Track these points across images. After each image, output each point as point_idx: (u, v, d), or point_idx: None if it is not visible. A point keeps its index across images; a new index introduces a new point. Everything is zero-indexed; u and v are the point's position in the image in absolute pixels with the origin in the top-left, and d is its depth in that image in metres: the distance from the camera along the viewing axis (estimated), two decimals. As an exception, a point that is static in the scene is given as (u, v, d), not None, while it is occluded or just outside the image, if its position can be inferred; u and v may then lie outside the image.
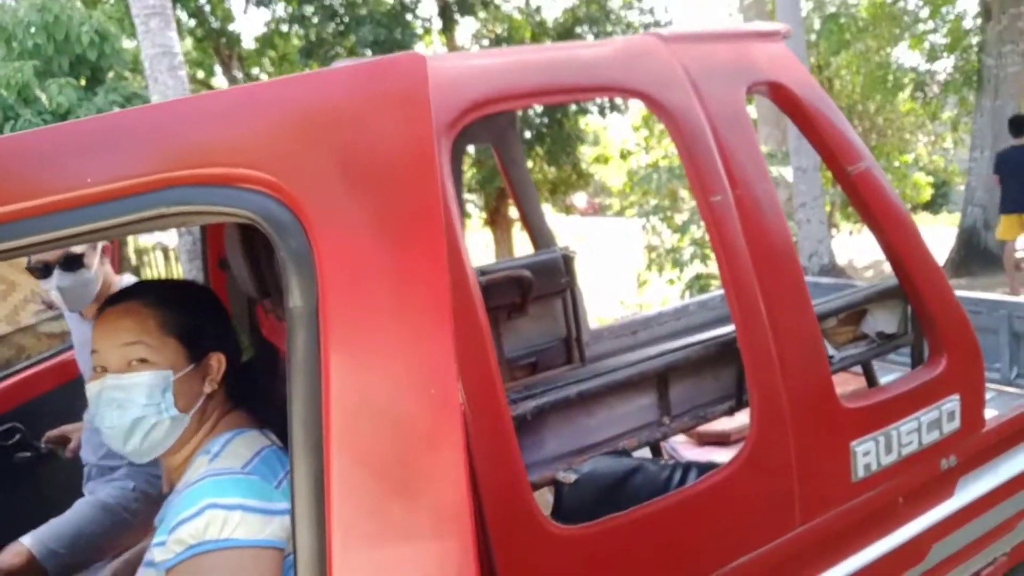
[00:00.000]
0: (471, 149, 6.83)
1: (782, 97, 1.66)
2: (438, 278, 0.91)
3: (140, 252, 9.22)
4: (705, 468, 1.55)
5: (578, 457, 1.50)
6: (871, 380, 2.01)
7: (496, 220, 12.64)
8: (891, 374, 2.28)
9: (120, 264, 2.50)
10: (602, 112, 11.78)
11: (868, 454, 1.62)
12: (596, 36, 11.32)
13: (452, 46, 11.94)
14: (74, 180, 0.86)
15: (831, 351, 1.74)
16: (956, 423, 1.76)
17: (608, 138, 18.26)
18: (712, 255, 4.31)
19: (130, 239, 8.35)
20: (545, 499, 1.57)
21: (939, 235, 10.28)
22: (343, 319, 0.88)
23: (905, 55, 15.53)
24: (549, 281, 2.17)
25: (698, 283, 7.86)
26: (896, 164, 13.00)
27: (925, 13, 12.24)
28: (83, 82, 7.79)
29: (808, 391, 1.54)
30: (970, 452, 1.82)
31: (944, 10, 11.76)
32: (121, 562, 1.75)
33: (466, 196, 10.42)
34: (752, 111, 10.28)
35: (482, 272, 1.97)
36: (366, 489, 0.85)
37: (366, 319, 0.89)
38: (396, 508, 0.85)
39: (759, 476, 1.50)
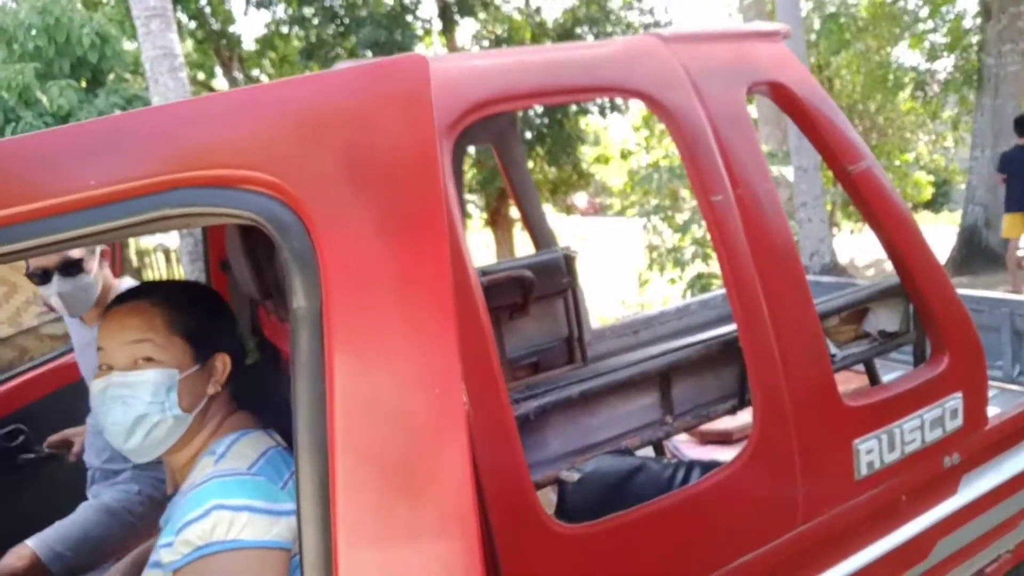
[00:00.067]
0: (472, 150, 6.83)
1: (783, 97, 1.67)
2: (441, 278, 0.91)
3: (142, 254, 9.23)
4: (708, 467, 1.56)
5: (581, 456, 1.50)
6: (873, 378, 2.01)
7: (497, 220, 12.62)
8: (893, 372, 2.28)
9: (122, 266, 2.50)
10: (602, 112, 11.76)
11: (871, 452, 1.62)
12: (596, 37, 11.30)
13: (452, 47, 11.92)
14: (77, 183, 0.86)
15: (833, 349, 1.74)
16: (959, 421, 1.76)
17: (608, 138, 18.26)
18: (713, 254, 4.31)
19: (132, 241, 8.35)
20: (548, 498, 1.58)
21: (940, 234, 10.26)
22: (347, 319, 0.88)
23: (905, 54, 15.57)
24: (550, 281, 2.17)
25: (699, 282, 7.84)
26: (897, 163, 12.97)
27: (925, 12, 12.23)
28: (84, 84, 7.80)
29: (810, 389, 1.54)
30: (973, 450, 1.82)
31: (944, 9, 11.76)
32: (126, 564, 1.76)
33: (467, 196, 10.42)
34: (752, 111, 10.28)
35: (483, 272, 1.97)
36: (371, 489, 0.85)
37: (370, 319, 0.89)
38: (401, 508, 0.85)
39: (762, 474, 1.50)
